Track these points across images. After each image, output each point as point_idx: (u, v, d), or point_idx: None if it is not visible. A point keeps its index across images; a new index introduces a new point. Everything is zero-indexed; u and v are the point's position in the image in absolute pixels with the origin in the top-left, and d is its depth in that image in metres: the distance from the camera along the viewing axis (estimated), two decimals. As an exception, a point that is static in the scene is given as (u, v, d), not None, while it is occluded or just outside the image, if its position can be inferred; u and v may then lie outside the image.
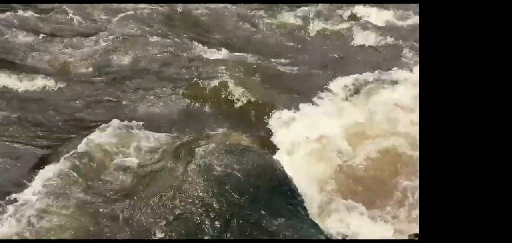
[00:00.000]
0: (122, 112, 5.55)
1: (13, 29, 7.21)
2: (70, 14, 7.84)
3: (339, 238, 4.15)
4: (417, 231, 3.96)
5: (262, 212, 3.88)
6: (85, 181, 4.16)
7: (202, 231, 3.70)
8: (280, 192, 4.16)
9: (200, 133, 5.27)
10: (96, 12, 8.09)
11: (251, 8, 8.75)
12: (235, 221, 3.78)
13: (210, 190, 3.96)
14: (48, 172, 4.23)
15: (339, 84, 6.37)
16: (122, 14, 7.96)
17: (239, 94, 5.89)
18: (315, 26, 8.36)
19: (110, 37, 7.27)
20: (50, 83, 6.02)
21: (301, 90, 6.25)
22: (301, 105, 5.84)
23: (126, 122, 5.04)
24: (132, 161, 4.43)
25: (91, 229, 3.80)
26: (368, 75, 6.54)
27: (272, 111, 5.71)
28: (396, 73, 6.67)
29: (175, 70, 6.63)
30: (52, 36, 7.26)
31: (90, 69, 6.55)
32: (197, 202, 3.89)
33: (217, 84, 6.03)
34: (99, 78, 6.33)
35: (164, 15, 8.17)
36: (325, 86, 6.32)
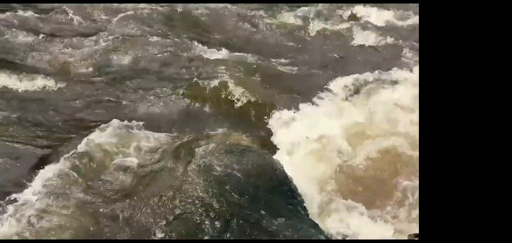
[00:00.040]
0: (122, 112, 5.55)
1: (13, 29, 7.22)
2: (70, 14, 7.85)
3: (339, 238, 4.15)
4: (417, 231, 3.96)
5: (262, 212, 3.88)
6: (85, 181, 4.16)
7: (201, 231, 3.70)
8: (280, 192, 4.16)
9: (200, 132, 5.28)
10: (96, 12, 8.10)
11: (251, 8, 8.76)
12: (235, 221, 3.78)
13: (210, 190, 3.96)
14: (48, 172, 4.23)
15: (339, 84, 6.37)
16: (122, 14, 7.96)
17: (239, 94, 5.89)
18: (315, 26, 8.37)
19: (110, 37, 7.28)
20: (50, 83, 6.03)
21: (301, 90, 6.25)
22: (301, 105, 5.85)
23: (126, 122, 5.04)
24: (132, 161, 4.43)
25: (91, 229, 3.80)
26: (368, 75, 6.54)
27: (272, 111, 5.71)
28: (396, 73, 6.67)
29: (175, 70, 6.64)
30: (52, 36, 7.27)
31: (90, 69, 6.55)
32: (196, 202, 3.89)
33: (217, 84, 6.04)
34: (99, 78, 6.34)
35: (164, 15, 8.18)
36: (325, 86, 6.33)
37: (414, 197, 4.52)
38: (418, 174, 4.53)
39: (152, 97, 5.96)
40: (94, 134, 4.69)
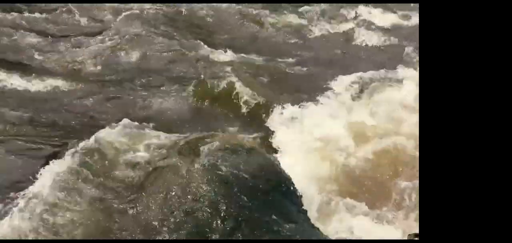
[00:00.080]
0: (131, 111, 5.64)
1: (21, 30, 7.31)
2: (76, 14, 7.94)
3: (339, 238, 4.15)
4: (417, 231, 3.95)
5: (262, 212, 3.88)
6: (95, 177, 4.24)
7: (201, 231, 3.73)
8: (280, 192, 4.17)
9: (206, 132, 5.31)
10: (101, 12, 8.18)
11: (255, 8, 8.82)
12: (234, 220, 3.78)
13: (213, 189, 3.98)
14: (60, 167, 4.28)
15: (343, 83, 6.38)
16: (127, 13, 8.04)
17: (245, 94, 5.94)
18: (319, 26, 8.43)
19: (117, 37, 7.36)
20: (60, 83, 6.12)
21: (305, 90, 6.29)
22: (305, 105, 5.87)
23: (135, 121, 5.11)
24: (142, 157, 4.49)
25: (102, 224, 3.88)
26: (372, 74, 6.54)
27: (276, 111, 5.74)
28: (400, 72, 6.66)
29: (182, 70, 6.71)
30: (60, 36, 7.37)
31: (99, 68, 6.64)
32: (198, 201, 3.91)
33: (224, 84, 6.09)
34: (107, 77, 6.42)
35: (169, 15, 8.25)
36: (329, 86, 6.35)
37: (414, 197, 4.50)
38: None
39: (160, 96, 6.03)
40: (104, 132, 4.76)
